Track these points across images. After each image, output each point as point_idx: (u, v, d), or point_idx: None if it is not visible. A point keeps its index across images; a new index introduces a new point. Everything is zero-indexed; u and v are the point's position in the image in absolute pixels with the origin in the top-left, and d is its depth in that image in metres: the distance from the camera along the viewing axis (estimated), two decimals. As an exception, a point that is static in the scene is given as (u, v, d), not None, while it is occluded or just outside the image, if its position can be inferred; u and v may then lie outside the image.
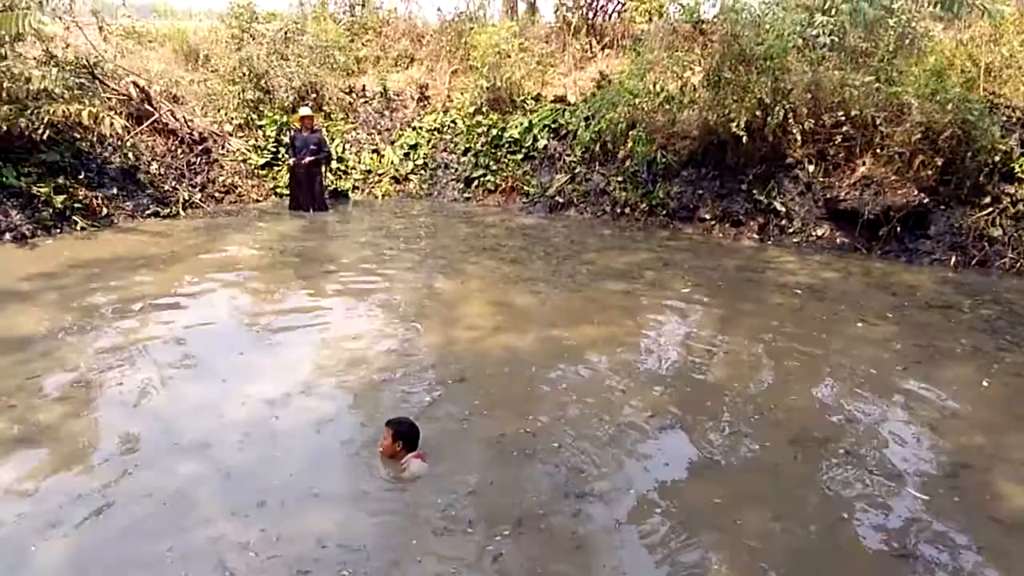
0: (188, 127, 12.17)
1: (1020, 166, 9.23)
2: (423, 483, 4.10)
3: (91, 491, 3.95)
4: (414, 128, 13.99)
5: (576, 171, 12.36)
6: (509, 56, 13.33)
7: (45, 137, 9.53)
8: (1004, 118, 9.59)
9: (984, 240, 9.22)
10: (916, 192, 9.53)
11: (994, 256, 9.13)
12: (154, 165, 11.36)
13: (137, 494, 3.94)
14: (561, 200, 12.30)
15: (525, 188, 12.71)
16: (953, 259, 9.25)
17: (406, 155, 13.75)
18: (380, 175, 13.53)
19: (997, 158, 9.28)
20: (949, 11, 12.07)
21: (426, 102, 14.38)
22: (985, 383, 5.71)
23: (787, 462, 4.47)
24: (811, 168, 10.39)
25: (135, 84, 11.73)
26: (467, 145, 13.37)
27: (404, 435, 4.28)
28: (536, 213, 12.26)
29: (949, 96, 9.36)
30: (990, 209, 9.26)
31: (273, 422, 4.77)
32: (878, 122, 9.89)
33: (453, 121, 13.74)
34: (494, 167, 13.05)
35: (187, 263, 8.56)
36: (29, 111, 9.37)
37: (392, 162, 13.65)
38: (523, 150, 12.90)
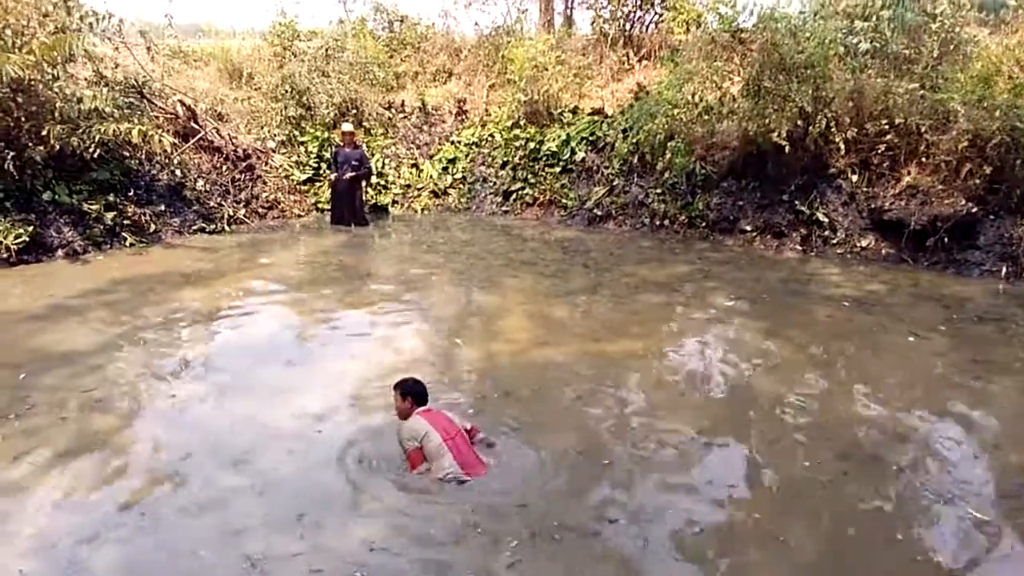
0: (232, 144, 12.42)
1: (1072, 173, 8.99)
2: (461, 494, 4.11)
3: (140, 502, 4.03)
4: (452, 142, 14.09)
5: (614, 183, 12.33)
6: (546, 69, 13.37)
7: (96, 155, 9.78)
8: (1055, 125, 9.33)
9: (1037, 250, 8.97)
10: (964, 201, 9.32)
11: (1048, 267, 8.88)
12: (200, 182, 11.60)
13: (183, 506, 4.01)
14: (599, 213, 12.27)
15: (563, 201, 12.71)
16: (1004, 270, 9.01)
17: (444, 169, 13.86)
18: (419, 189, 13.65)
19: (1048, 165, 9.04)
20: (993, 13, 11.91)
21: (464, 116, 14.48)
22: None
23: (837, 478, 4.38)
24: (854, 178, 10.22)
25: (182, 102, 12.01)
26: (505, 159, 13.42)
27: (404, 387, 4.49)
28: (575, 226, 12.25)
29: (997, 103, 9.17)
30: (1042, 218, 9.02)
31: (316, 435, 4.82)
32: (923, 130, 9.70)
33: (491, 135, 13.81)
34: (532, 180, 13.08)
35: (233, 278, 8.71)
36: (81, 130, 9.62)
37: (431, 176, 13.75)
38: (561, 163, 12.91)
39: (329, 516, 3.91)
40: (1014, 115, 9.01)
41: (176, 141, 11.31)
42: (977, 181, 9.28)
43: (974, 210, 9.26)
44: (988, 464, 4.59)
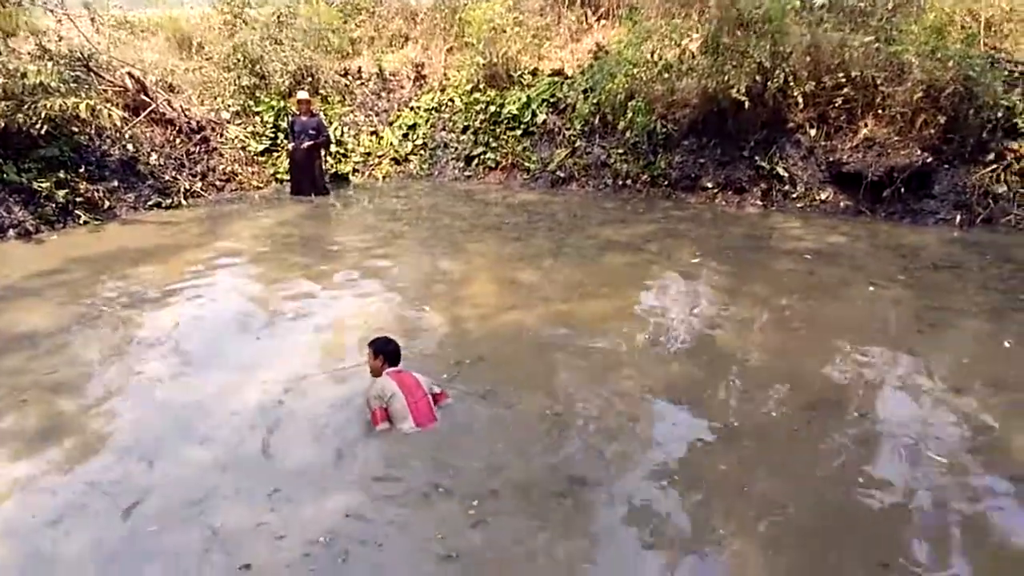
0: (185, 116, 12.11)
1: (1023, 121, 9.17)
2: (433, 457, 4.16)
3: (108, 483, 3.99)
4: (412, 108, 13.91)
5: (576, 145, 12.30)
6: (504, 31, 13.19)
7: (43, 132, 9.49)
8: (1006, 73, 9.50)
9: (989, 197, 9.18)
10: (919, 152, 9.48)
11: (999, 213, 9.10)
12: (153, 156, 11.31)
13: (154, 485, 3.98)
14: (562, 175, 12.25)
15: (526, 164, 12.65)
16: (958, 218, 9.21)
17: (405, 136, 13.69)
18: (380, 157, 13.48)
19: (1000, 114, 9.23)
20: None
21: (423, 81, 14.27)
22: (1008, 343, 5.69)
23: (801, 428, 4.49)
24: (813, 132, 10.32)
25: (130, 75, 11.65)
26: (466, 123, 13.29)
27: (376, 345, 4.62)
28: (538, 189, 12.22)
29: (950, 53, 9.29)
30: (994, 166, 9.22)
31: (285, 408, 4.79)
32: (879, 82, 9.81)
33: (451, 99, 13.64)
34: (494, 144, 12.98)
35: (192, 253, 8.56)
36: (26, 106, 9.30)
37: (391, 143, 13.58)
38: (522, 126, 12.81)
39: (297, 487, 3.92)
40: (967, 65, 9.14)
41: (126, 115, 11.02)
42: (931, 131, 9.43)
43: (929, 160, 9.43)
44: (948, 409, 4.72)
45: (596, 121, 11.97)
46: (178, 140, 11.90)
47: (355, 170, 13.20)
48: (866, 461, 4.11)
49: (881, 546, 3.44)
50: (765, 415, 4.65)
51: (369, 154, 13.48)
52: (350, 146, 13.42)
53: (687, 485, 3.94)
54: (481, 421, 4.64)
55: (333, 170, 12.71)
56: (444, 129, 13.59)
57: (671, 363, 5.50)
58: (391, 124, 13.83)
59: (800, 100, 10.18)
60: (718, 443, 4.37)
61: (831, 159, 10.08)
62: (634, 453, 4.23)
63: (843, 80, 9.98)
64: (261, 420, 4.64)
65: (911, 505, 3.70)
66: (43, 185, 9.50)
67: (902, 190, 9.49)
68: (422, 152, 13.56)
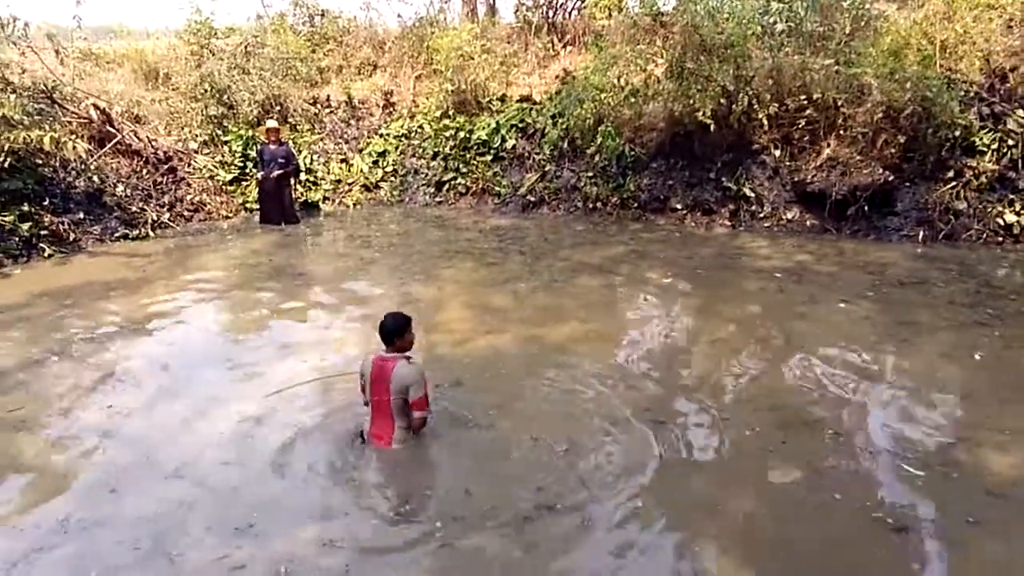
0: (152, 147, 12.00)
1: (980, 139, 9.44)
2: (408, 481, 4.15)
3: (73, 522, 3.88)
4: (381, 135, 13.94)
5: (546, 169, 12.40)
6: (472, 58, 13.34)
7: (6, 165, 9.35)
8: (962, 93, 9.77)
9: (950, 213, 9.40)
10: (881, 170, 9.69)
11: (960, 229, 9.32)
12: (120, 187, 11.18)
13: (123, 522, 3.88)
14: (533, 199, 12.32)
15: (496, 189, 12.71)
16: (921, 234, 9.42)
17: (375, 163, 13.70)
18: (350, 184, 13.46)
19: (957, 133, 9.47)
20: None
21: (392, 109, 14.34)
22: (978, 356, 5.81)
23: (776, 446, 4.51)
24: (777, 153, 10.52)
25: (95, 106, 11.54)
26: (435, 149, 13.34)
27: (380, 329, 4.49)
28: (509, 213, 12.27)
29: (907, 75, 9.54)
30: (954, 183, 9.46)
31: (258, 440, 4.71)
32: (840, 104, 10.05)
33: (420, 126, 13.71)
34: (464, 170, 13.04)
35: (159, 284, 8.43)
36: (-12, 140, 9.19)
37: (361, 170, 13.58)
38: (492, 151, 12.89)
39: (265, 518, 3.86)
40: (924, 86, 9.39)
41: (91, 147, 10.88)
42: (892, 150, 9.67)
43: (891, 178, 9.65)
44: (921, 423, 4.78)
45: (565, 145, 12.11)
46: (145, 171, 11.78)
47: (325, 198, 13.16)
48: (841, 477, 4.14)
49: (858, 562, 3.45)
50: (739, 434, 4.67)
51: (339, 182, 13.46)
52: (320, 174, 13.38)
53: (661, 506, 3.94)
54: (456, 445, 4.61)
55: (303, 198, 12.66)
56: (414, 156, 13.64)
57: (645, 384, 5.51)
58: (361, 151, 13.84)
59: (764, 122, 10.38)
60: (693, 463, 4.38)
61: (796, 179, 10.27)
62: (608, 475, 4.21)
63: (805, 102, 10.21)
64: (231, 452, 4.56)
65: (888, 520, 3.73)
66: (6, 219, 9.33)
67: (866, 208, 9.69)
68: (392, 179, 13.57)
